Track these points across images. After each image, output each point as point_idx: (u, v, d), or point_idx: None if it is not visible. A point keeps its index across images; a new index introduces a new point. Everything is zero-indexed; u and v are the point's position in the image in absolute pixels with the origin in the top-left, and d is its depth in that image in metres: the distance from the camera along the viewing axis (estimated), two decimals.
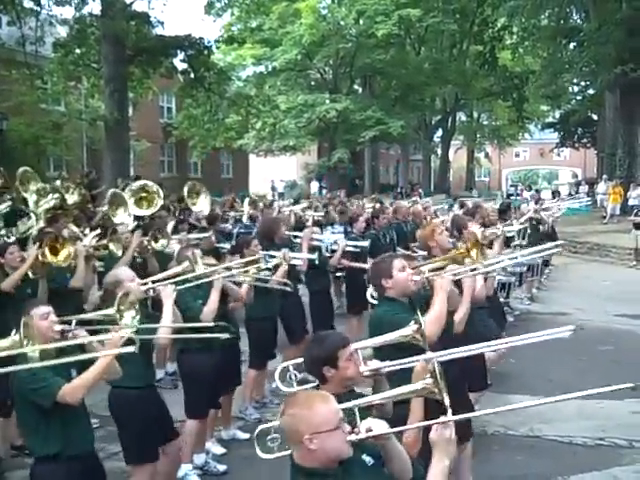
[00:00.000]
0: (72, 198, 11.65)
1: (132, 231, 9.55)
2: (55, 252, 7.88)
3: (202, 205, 12.06)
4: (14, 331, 4.64)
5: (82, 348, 4.72)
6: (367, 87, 41.39)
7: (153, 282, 5.94)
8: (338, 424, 3.17)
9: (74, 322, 4.77)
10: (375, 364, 3.99)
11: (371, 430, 3.26)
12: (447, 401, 3.36)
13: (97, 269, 8.67)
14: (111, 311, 5.01)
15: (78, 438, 4.64)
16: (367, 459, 3.44)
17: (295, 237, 10.14)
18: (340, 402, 3.39)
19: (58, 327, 4.63)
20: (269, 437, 3.71)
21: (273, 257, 8.25)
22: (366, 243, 10.62)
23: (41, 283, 7.63)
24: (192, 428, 6.60)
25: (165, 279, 6.12)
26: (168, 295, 5.74)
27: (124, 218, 10.17)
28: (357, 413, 3.39)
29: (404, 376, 3.75)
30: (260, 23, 36.14)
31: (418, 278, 5.22)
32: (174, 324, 5.60)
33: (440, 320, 4.86)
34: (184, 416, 6.65)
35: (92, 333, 4.78)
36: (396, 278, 5.04)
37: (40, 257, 7.60)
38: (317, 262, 8.99)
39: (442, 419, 3.23)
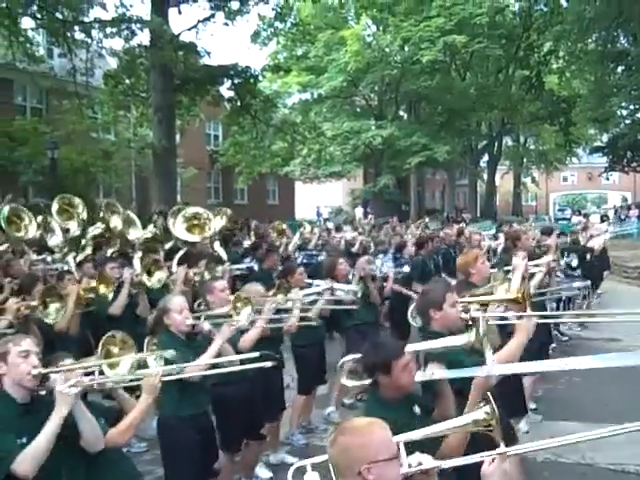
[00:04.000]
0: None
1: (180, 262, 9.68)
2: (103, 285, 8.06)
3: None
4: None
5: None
6: (412, 113, 41.39)
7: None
8: (396, 453, 3.04)
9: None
10: (437, 372, 4.07)
11: (421, 464, 3.12)
12: (499, 433, 3.24)
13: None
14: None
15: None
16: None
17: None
18: (397, 409, 3.46)
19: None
20: (306, 476, 3.43)
21: (318, 286, 8.26)
22: (406, 269, 10.55)
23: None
24: (226, 461, 6.52)
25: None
26: (225, 335, 5.70)
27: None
28: (402, 447, 3.19)
29: None
30: (306, 51, 36.49)
31: (465, 316, 5.07)
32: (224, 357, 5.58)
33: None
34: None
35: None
36: (446, 312, 4.92)
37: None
38: (360, 294, 8.92)
39: (498, 451, 3.09)
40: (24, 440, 3.83)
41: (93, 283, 8.18)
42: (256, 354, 5.14)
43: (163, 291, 8.24)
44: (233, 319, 5.95)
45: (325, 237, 14.88)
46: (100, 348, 4.50)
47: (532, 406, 8.85)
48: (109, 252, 10.90)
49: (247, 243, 13.67)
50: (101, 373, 4.45)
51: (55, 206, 11.69)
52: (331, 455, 3.04)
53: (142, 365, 4.87)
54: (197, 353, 5.49)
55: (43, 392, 4.13)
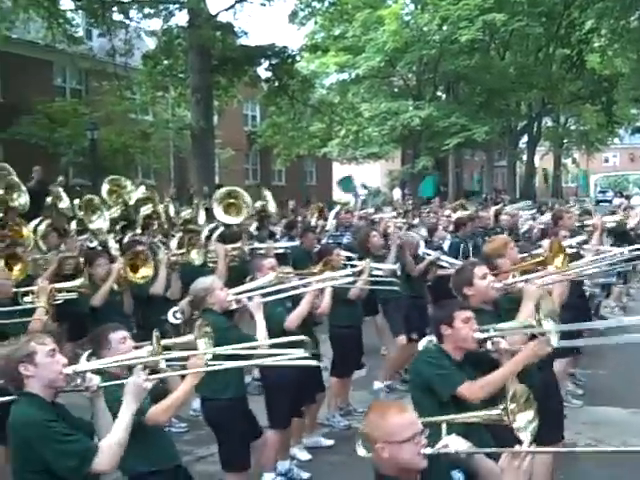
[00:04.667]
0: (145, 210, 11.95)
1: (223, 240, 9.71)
2: (135, 269, 8.09)
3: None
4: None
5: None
6: (451, 93, 40.95)
7: (238, 293, 6.00)
8: (411, 437, 3.26)
9: None
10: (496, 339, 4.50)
11: (447, 446, 3.38)
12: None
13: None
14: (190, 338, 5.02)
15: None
16: (457, 475, 3.43)
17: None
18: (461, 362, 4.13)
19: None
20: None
21: (355, 266, 8.22)
22: (436, 253, 10.41)
23: (125, 296, 7.83)
24: (275, 438, 6.59)
25: (251, 290, 6.15)
26: (257, 307, 5.77)
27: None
28: (444, 428, 3.65)
29: None
30: (343, 31, 36.20)
31: (499, 285, 5.17)
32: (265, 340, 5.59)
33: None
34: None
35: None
36: (477, 286, 5.04)
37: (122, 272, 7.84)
38: (399, 273, 8.88)
39: (511, 450, 3.30)
40: (63, 425, 3.72)
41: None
42: (300, 337, 5.11)
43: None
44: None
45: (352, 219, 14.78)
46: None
47: (569, 387, 8.77)
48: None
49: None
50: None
51: (105, 187, 11.84)
52: (361, 429, 3.47)
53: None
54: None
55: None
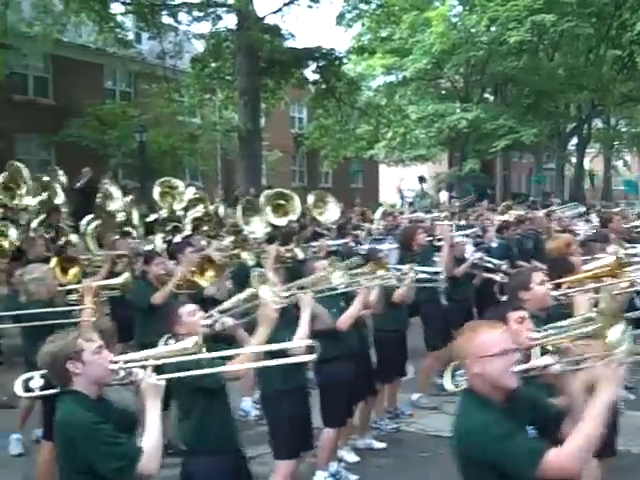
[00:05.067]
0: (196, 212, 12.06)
1: (267, 241, 9.74)
2: (202, 272, 8.18)
3: (331, 214, 12.11)
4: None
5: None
6: (499, 95, 40.57)
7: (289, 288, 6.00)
8: (501, 352, 3.29)
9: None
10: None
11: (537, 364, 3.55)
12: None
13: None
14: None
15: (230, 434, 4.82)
16: (532, 432, 3.43)
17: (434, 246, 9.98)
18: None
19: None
20: (460, 372, 3.82)
21: (400, 270, 8.16)
22: (478, 254, 10.28)
23: (181, 297, 7.90)
24: (330, 437, 6.61)
25: (302, 287, 6.15)
26: (307, 303, 5.77)
27: (257, 227, 10.34)
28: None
29: None
30: (390, 33, 36.07)
31: (557, 293, 5.07)
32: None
33: None
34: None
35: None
36: (534, 291, 4.92)
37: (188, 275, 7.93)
38: (443, 275, 8.79)
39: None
40: (109, 427, 3.72)
41: None
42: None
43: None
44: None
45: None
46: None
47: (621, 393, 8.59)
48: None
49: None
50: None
51: (157, 189, 11.96)
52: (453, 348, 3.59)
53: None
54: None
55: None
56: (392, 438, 8.11)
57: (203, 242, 10.11)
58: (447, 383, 4.02)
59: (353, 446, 7.56)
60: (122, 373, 3.87)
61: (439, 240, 9.89)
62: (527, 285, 4.95)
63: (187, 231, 11.67)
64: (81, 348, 3.76)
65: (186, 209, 12.49)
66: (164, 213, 12.55)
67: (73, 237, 10.81)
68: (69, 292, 7.19)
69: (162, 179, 12.75)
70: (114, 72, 27.21)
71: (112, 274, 8.57)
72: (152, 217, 12.64)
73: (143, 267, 8.12)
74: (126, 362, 3.91)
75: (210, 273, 8.20)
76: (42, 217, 11.44)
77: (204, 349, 4.21)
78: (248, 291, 5.14)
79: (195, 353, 4.15)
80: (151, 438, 3.73)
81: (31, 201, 11.51)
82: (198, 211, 12.42)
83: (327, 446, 6.58)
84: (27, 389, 4.00)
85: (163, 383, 3.83)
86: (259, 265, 8.79)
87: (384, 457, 7.67)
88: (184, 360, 4.12)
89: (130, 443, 3.73)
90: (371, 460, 7.53)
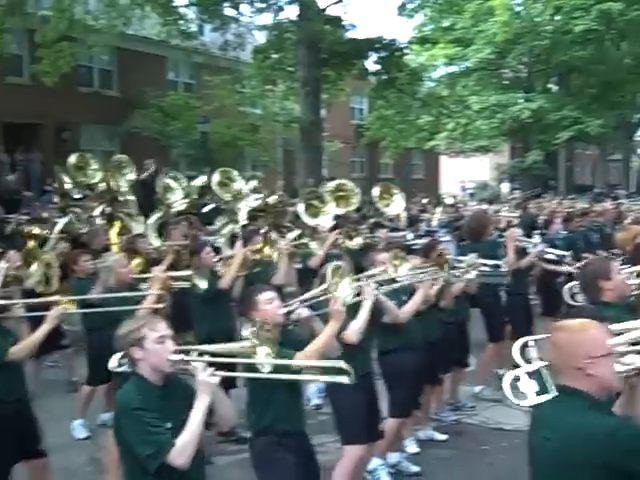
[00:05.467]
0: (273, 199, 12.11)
1: (331, 230, 9.76)
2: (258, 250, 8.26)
3: (396, 206, 12.04)
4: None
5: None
6: (563, 85, 39.87)
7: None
8: (611, 351, 3.19)
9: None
10: None
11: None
12: None
13: None
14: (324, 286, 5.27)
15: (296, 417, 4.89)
16: None
17: (500, 237, 9.90)
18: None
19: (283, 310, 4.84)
20: (522, 382, 3.67)
21: (461, 261, 8.10)
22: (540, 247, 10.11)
23: (237, 283, 7.96)
24: (394, 427, 6.61)
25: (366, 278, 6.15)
26: (370, 294, 5.76)
27: (322, 218, 10.35)
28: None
29: None
30: (452, 22, 35.69)
31: (638, 282, 4.99)
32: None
33: None
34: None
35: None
36: (616, 280, 4.82)
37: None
38: (506, 268, 8.69)
39: None
40: (169, 425, 3.85)
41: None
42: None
43: None
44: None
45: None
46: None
47: None
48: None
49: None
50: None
51: (217, 177, 12.05)
52: (552, 354, 3.28)
53: None
54: None
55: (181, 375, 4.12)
56: (453, 430, 8.07)
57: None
58: (527, 388, 3.79)
59: (415, 437, 7.53)
60: (181, 365, 3.97)
61: (503, 231, 9.79)
62: (608, 274, 4.83)
63: (243, 221, 11.70)
64: (144, 336, 3.91)
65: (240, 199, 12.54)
66: (221, 204, 12.62)
67: (136, 227, 10.94)
68: (143, 281, 7.31)
69: (220, 169, 12.82)
70: (177, 64, 27.52)
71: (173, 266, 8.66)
72: (208, 207, 12.72)
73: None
74: (185, 354, 4.00)
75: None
76: (104, 207, 11.60)
77: (267, 352, 4.26)
78: (328, 283, 5.15)
79: (251, 354, 4.22)
80: (189, 432, 3.81)
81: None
82: (256, 200, 12.46)
83: (390, 435, 6.58)
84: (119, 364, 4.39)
85: (216, 380, 3.88)
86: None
87: (445, 449, 7.63)
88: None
89: (165, 434, 3.81)
90: (432, 452, 7.50)
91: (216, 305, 7.51)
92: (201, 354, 4.06)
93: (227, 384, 4.73)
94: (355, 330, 5.57)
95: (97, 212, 11.52)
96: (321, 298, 5.26)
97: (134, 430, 3.79)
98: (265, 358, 4.23)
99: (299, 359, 4.62)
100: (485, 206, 16.16)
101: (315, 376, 4.86)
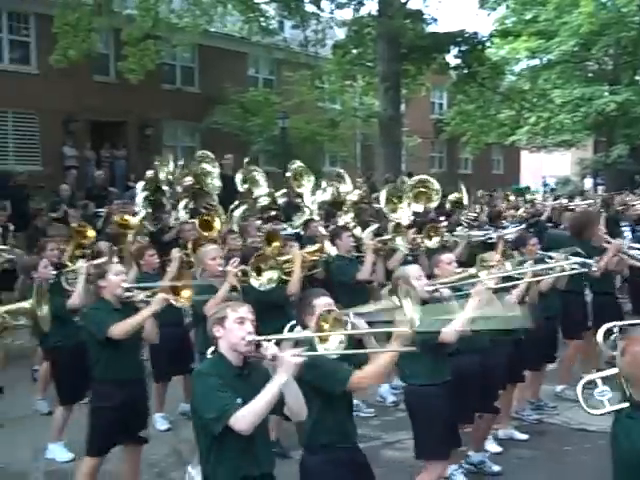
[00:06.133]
0: (352, 196, 12.13)
1: (409, 227, 9.73)
2: None
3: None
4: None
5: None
6: None
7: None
8: None
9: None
10: None
11: None
12: None
13: None
14: (390, 304, 5.02)
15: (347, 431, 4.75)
16: None
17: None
18: None
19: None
20: (598, 390, 3.62)
21: (552, 258, 7.95)
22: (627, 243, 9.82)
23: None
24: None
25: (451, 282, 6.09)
26: (479, 292, 5.69)
27: (401, 213, 10.33)
28: None
29: None
30: (535, 14, 35.03)
31: None
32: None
33: None
34: None
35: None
36: None
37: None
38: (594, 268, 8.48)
39: None
40: (239, 401, 3.97)
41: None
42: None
43: None
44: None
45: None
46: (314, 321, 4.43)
47: None
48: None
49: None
50: None
51: (293, 173, 12.16)
52: (622, 366, 3.23)
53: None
54: None
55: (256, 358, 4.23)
56: (534, 430, 7.96)
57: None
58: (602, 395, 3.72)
59: (495, 436, 7.45)
60: (254, 347, 4.13)
61: None
62: None
63: (315, 216, 11.76)
64: (225, 315, 4.19)
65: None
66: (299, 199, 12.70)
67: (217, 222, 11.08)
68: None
69: (295, 164, 12.93)
70: (257, 60, 27.75)
71: None
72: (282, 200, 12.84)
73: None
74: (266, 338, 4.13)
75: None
76: (187, 201, 11.78)
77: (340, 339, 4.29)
78: (388, 304, 5.02)
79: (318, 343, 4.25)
80: (259, 401, 3.92)
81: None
82: (328, 195, 12.51)
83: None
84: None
85: (299, 360, 3.95)
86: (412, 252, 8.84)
87: (526, 448, 7.53)
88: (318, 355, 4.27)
89: (230, 400, 3.96)
90: (513, 451, 7.42)
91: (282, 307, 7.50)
92: (279, 343, 4.17)
93: None
94: (456, 329, 5.45)
95: (181, 206, 11.70)
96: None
97: (201, 394, 4.04)
98: (338, 345, 4.27)
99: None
100: (564, 201, 15.81)
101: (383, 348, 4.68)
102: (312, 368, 4.30)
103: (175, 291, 6.29)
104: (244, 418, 3.89)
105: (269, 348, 4.01)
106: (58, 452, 7.58)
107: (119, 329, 5.78)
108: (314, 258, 8.40)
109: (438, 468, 5.72)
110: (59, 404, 7.58)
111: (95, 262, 7.69)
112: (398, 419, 6.97)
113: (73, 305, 7.17)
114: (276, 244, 8.83)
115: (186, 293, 6.36)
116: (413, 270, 5.84)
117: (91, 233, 9.79)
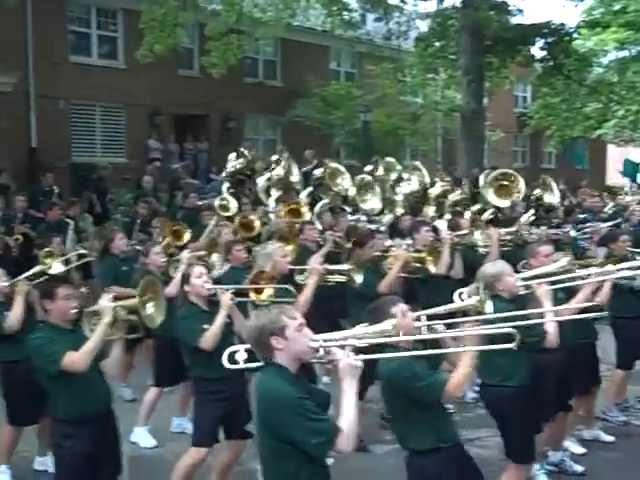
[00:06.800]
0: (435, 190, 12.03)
1: (490, 222, 9.60)
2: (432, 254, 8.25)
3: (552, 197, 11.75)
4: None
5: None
6: None
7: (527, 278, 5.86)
8: None
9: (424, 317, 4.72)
10: None
11: None
12: None
13: None
14: (473, 301, 4.94)
15: (448, 429, 4.73)
16: None
17: None
18: None
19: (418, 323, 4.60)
20: None
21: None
22: None
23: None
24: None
25: (538, 276, 5.98)
26: (547, 294, 5.60)
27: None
28: None
29: None
30: (624, 5, 34.06)
31: None
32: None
33: None
34: None
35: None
36: None
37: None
38: None
39: None
40: (311, 403, 3.85)
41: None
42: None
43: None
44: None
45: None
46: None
47: None
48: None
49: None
50: None
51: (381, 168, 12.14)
52: None
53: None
54: None
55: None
56: (621, 431, 7.75)
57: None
58: None
59: (579, 437, 7.29)
60: (322, 352, 3.97)
61: None
62: None
63: (399, 211, 11.70)
64: (284, 324, 3.90)
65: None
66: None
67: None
68: (301, 272, 7.43)
69: (386, 160, 12.89)
70: (339, 53, 27.76)
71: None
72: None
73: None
74: (326, 341, 4.00)
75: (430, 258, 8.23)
76: (278, 195, 11.82)
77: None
78: (471, 300, 4.94)
79: (393, 335, 4.23)
80: (348, 418, 3.80)
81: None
82: (415, 185, 12.43)
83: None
84: (232, 361, 4.21)
85: (360, 364, 3.85)
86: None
87: (612, 451, 7.35)
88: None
89: (330, 421, 3.82)
90: (598, 453, 7.25)
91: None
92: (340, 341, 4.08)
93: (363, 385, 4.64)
94: (556, 332, 5.38)
95: (272, 200, 11.75)
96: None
97: (295, 420, 3.76)
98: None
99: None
100: None
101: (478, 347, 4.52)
102: (408, 380, 4.34)
103: (257, 290, 6.38)
104: (348, 438, 3.78)
105: (337, 353, 3.91)
106: (143, 437, 7.75)
107: (208, 342, 5.89)
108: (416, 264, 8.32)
109: (525, 469, 5.69)
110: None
111: (197, 253, 7.86)
112: (478, 416, 6.88)
113: (170, 294, 7.01)
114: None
115: (268, 291, 6.42)
116: (505, 267, 5.76)
117: (187, 236, 9.93)
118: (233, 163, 12.83)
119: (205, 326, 5.94)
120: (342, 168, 12.37)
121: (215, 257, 8.85)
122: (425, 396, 4.46)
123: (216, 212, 11.30)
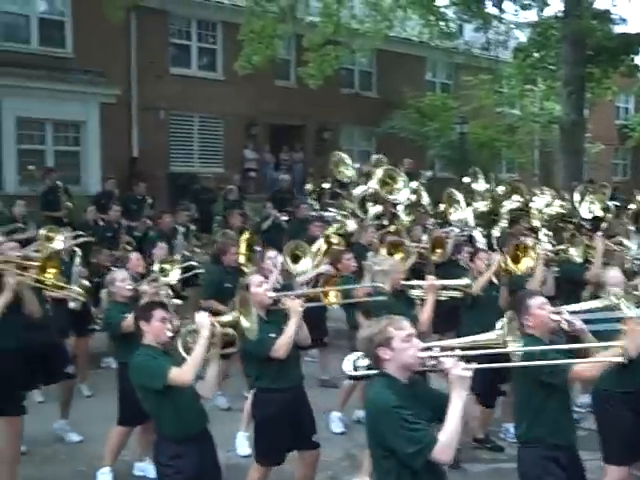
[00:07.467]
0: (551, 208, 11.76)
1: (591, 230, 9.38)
2: (517, 260, 8.09)
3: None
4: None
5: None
6: None
7: None
8: None
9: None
10: None
11: None
12: None
13: None
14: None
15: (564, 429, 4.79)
16: None
17: None
18: None
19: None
20: None
21: None
22: None
23: (502, 290, 7.86)
24: None
25: None
26: None
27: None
28: None
29: None
30: None
31: None
32: None
33: None
34: None
35: None
36: None
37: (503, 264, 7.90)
38: None
39: None
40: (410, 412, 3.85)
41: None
42: None
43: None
44: None
45: None
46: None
47: None
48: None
49: None
50: None
51: (482, 184, 11.99)
52: None
53: None
54: None
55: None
56: None
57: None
58: None
59: None
60: (431, 362, 3.99)
61: None
62: None
63: (504, 223, 11.51)
64: (391, 336, 3.97)
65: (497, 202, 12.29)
66: (484, 206, 12.43)
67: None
68: (412, 287, 7.35)
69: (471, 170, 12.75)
70: (435, 64, 27.60)
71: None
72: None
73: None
74: (434, 350, 4.05)
75: (525, 262, 8.10)
76: (379, 208, 11.71)
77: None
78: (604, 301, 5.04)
79: (501, 345, 4.39)
80: (449, 428, 3.79)
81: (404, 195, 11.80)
82: (515, 202, 12.20)
83: None
84: (354, 368, 4.44)
85: (469, 374, 3.84)
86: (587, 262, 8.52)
87: None
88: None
89: (427, 430, 3.82)
90: None
91: (479, 309, 7.44)
92: (447, 350, 4.13)
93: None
94: None
95: (372, 213, 11.67)
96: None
97: (392, 429, 3.82)
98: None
99: None
100: None
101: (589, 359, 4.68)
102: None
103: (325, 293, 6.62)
104: (446, 449, 3.77)
105: (446, 362, 3.91)
106: (241, 445, 7.77)
107: (281, 351, 5.84)
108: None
109: (616, 473, 5.64)
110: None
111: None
112: (580, 437, 6.61)
113: None
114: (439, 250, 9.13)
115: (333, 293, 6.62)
116: (615, 276, 5.68)
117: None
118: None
119: (272, 335, 5.90)
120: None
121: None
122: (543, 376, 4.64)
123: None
